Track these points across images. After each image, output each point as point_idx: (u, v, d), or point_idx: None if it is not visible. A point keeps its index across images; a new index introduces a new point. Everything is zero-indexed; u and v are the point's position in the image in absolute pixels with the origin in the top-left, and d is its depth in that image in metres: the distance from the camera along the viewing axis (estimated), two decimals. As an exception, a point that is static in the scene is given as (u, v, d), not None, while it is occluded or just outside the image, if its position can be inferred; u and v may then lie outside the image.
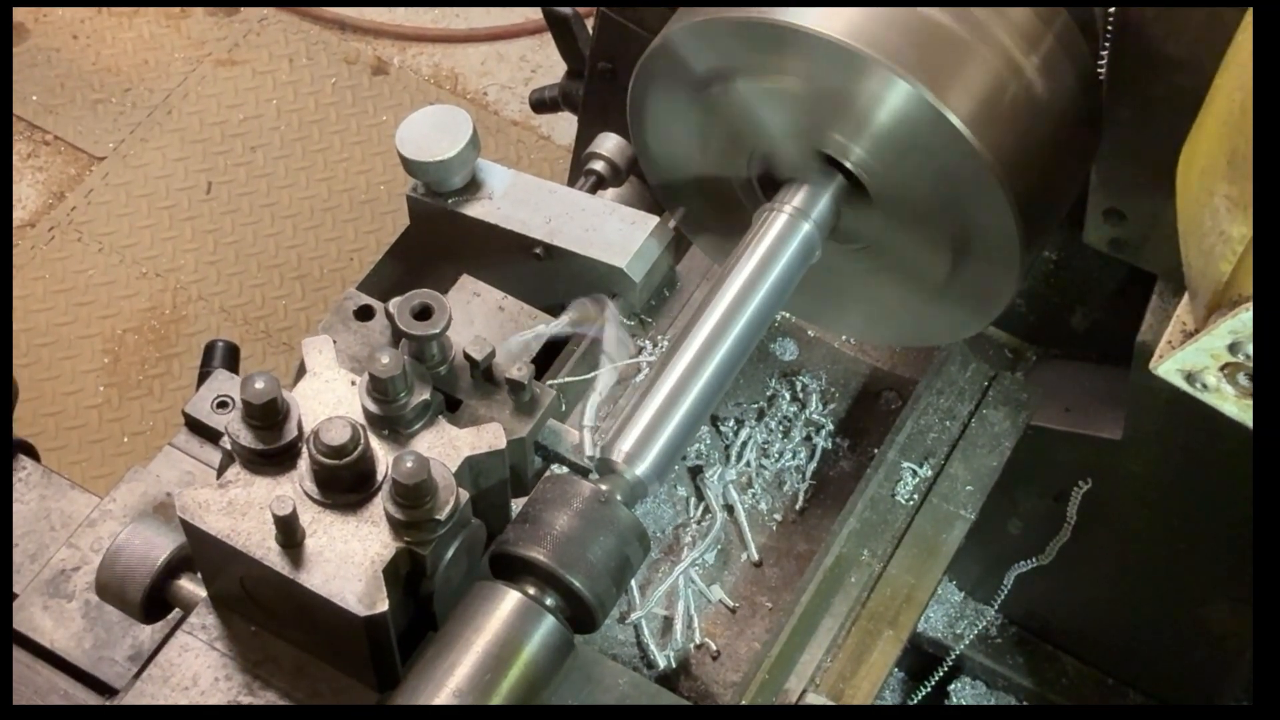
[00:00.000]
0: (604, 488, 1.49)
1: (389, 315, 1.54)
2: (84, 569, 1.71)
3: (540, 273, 1.96)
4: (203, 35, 4.09)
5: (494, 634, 1.40)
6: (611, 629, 1.82)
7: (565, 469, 1.59)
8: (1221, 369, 1.35)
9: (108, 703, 1.64)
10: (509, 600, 1.42)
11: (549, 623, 1.42)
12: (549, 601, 1.44)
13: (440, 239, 2.02)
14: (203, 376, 1.95)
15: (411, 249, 2.08)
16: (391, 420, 1.47)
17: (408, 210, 2.02)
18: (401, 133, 1.92)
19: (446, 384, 1.55)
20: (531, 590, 1.43)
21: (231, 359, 2.16)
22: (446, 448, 1.47)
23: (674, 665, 1.81)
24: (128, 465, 1.86)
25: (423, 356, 1.53)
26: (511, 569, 1.46)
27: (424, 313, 1.52)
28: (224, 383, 1.85)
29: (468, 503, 1.43)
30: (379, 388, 1.45)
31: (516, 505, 1.60)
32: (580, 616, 1.46)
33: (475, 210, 1.96)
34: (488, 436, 1.48)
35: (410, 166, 1.93)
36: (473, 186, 1.97)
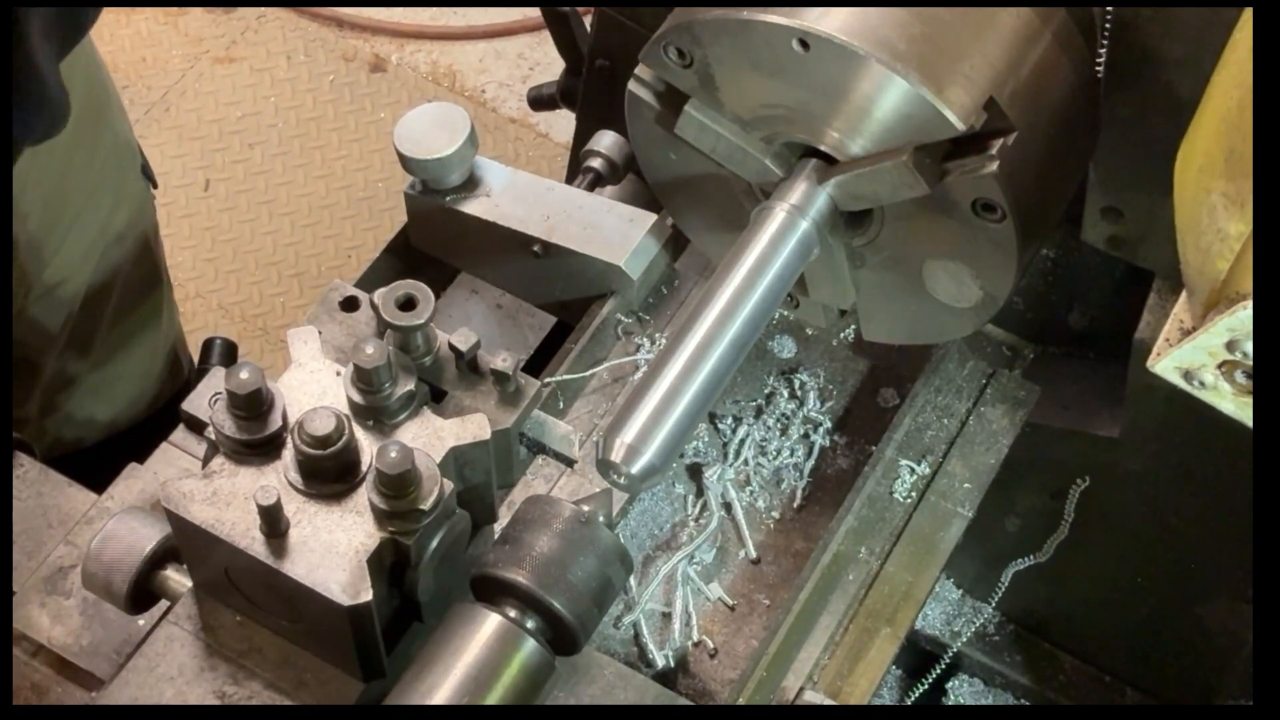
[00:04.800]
0: (585, 509, 1.48)
1: (374, 306, 1.54)
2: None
3: (538, 270, 1.96)
4: (200, 32, 4.09)
5: (474, 657, 1.39)
6: (608, 628, 1.82)
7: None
8: (1219, 367, 1.35)
9: (94, 692, 1.64)
10: (489, 623, 1.40)
11: (530, 645, 1.41)
12: (530, 624, 1.42)
13: (438, 236, 2.02)
14: (200, 374, 1.95)
15: (409, 246, 2.08)
16: (376, 411, 1.47)
17: (405, 207, 2.02)
18: (399, 130, 1.91)
19: (431, 375, 1.56)
20: (512, 613, 1.42)
21: (229, 356, 2.17)
22: (431, 438, 1.47)
23: (672, 663, 1.81)
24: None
25: (407, 347, 1.53)
26: (492, 591, 1.45)
27: (408, 303, 1.52)
28: (221, 380, 1.85)
29: (452, 493, 1.43)
30: (363, 378, 1.45)
31: (501, 496, 1.60)
32: (562, 639, 1.45)
33: (473, 208, 1.96)
34: (472, 427, 1.48)
35: (408, 164, 1.93)
36: (471, 184, 1.97)
